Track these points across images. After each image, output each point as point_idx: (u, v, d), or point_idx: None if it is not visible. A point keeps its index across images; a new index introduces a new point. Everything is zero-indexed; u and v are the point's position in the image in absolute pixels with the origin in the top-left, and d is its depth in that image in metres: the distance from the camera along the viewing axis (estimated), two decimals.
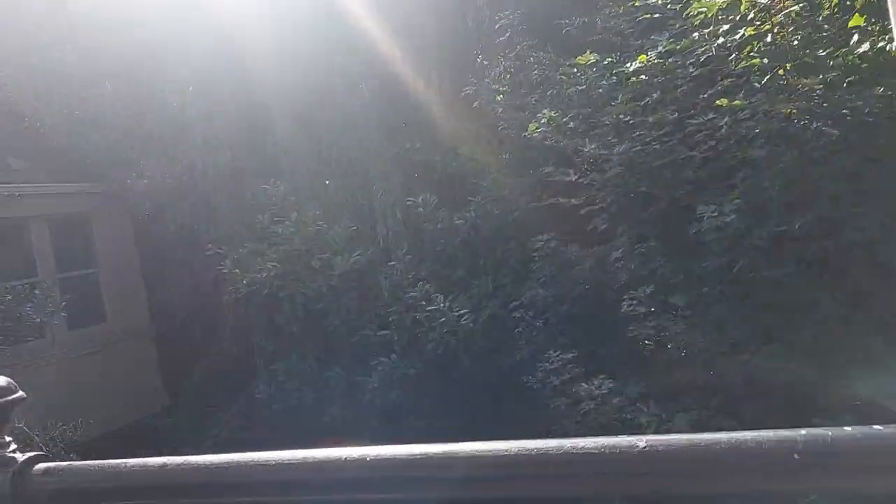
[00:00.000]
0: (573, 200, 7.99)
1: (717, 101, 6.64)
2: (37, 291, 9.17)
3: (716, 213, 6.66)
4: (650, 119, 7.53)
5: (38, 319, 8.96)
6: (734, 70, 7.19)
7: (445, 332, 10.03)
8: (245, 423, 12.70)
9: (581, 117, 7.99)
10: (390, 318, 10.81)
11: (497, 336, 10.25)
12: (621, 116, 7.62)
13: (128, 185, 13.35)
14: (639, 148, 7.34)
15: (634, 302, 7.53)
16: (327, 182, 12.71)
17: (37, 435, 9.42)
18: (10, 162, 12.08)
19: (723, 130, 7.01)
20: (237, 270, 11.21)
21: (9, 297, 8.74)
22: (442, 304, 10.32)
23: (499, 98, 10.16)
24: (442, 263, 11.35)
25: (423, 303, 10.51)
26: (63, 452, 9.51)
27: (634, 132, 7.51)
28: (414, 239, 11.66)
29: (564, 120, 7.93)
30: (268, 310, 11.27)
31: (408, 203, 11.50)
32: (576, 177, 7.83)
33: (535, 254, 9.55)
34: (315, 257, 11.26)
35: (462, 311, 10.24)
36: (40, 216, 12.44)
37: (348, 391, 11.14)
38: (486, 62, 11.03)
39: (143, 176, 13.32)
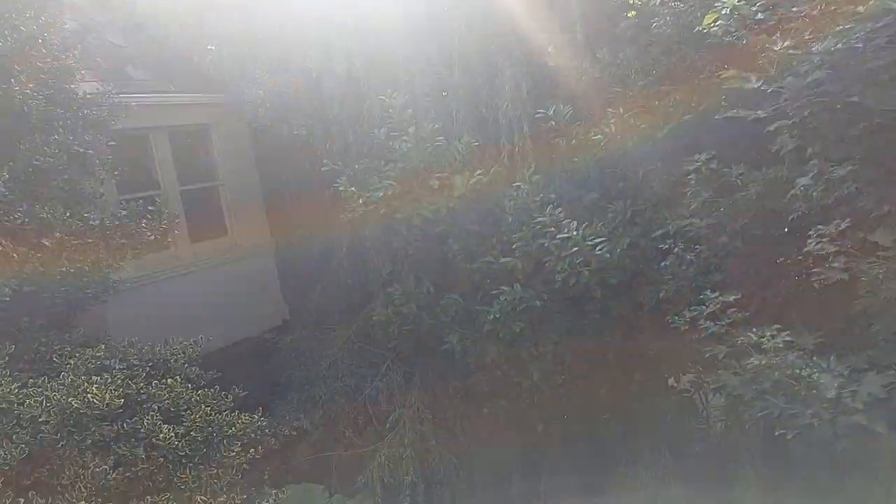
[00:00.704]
0: (759, 112, 6.53)
1: None
2: (150, 207, 8.89)
3: None
4: (861, 8, 5.88)
5: (152, 237, 8.71)
6: None
7: (578, 262, 9.00)
8: (362, 345, 12.44)
9: (770, 7, 6.42)
10: (514, 245, 9.88)
11: (637, 269, 9.11)
12: (823, 5, 6.01)
13: (246, 95, 12.94)
14: (845, 46, 5.76)
15: (825, 239, 6.13)
16: (445, 94, 11.66)
17: (159, 348, 9.40)
18: (129, 71, 11.84)
19: None
20: (353, 188, 10.56)
21: (123, 213, 8.51)
22: (574, 232, 9.25)
23: None
24: (574, 185, 10.19)
25: (552, 229, 9.48)
26: (186, 366, 9.48)
27: (840, 25, 5.90)
28: (542, 157, 10.51)
29: (753, 9, 6.39)
30: (384, 230, 10.63)
31: (537, 115, 10.28)
32: (759, 83, 6.35)
33: (689, 176, 8.20)
34: (434, 176, 10.39)
35: (597, 240, 9.13)
36: (161, 127, 12.25)
37: (467, 319, 10.48)
38: None
39: (260, 86, 12.85)
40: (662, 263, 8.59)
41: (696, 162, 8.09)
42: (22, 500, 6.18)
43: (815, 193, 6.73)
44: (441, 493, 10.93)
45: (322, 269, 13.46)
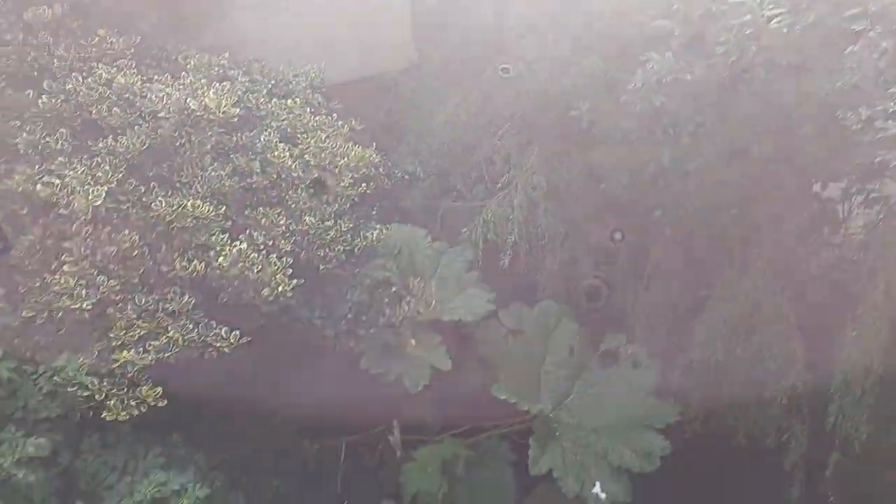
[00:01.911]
0: None
1: None
2: None
3: None
4: None
5: None
6: None
7: (746, 34, 7.67)
8: (485, 101, 11.81)
9: None
10: (674, 6, 8.52)
11: (814, 53, 7.68)
12: None
13: None
14: None
15: None
16: None
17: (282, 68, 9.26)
18: None
19: None
20: None
21: None
22: None
23: None
24: None
25: None
26: (308, 90, 9.41)
27: None
28: None
29: None
30: None
31: None
32: None
33: None
34: None
35: (776, 10, 7.64)
36: None
37: (605, 86, 9.50)
38: None
39: None
40: (848, 49, 7.14)
41: None
42: (143, 189, 6.52)
43: None
44: (542, 257, 10.92)
45: (456, 12, 12.53)
